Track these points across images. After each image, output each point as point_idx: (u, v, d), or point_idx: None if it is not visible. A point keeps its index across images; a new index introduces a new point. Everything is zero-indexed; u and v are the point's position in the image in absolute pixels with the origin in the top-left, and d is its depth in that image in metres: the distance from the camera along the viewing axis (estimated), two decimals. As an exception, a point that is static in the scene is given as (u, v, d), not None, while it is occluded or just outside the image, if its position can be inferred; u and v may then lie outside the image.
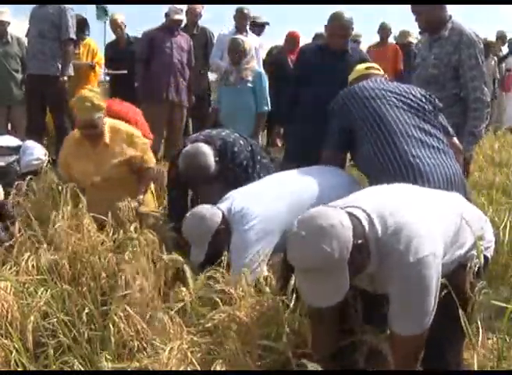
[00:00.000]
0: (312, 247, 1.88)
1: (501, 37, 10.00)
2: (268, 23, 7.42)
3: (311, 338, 2.29)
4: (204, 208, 2.92)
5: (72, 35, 5.85)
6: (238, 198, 2.96)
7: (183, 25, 6.97)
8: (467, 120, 3.56)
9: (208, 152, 3.36)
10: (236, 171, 3.44)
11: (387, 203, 2.08)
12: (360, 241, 1.94)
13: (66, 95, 5.73)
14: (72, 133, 3.85)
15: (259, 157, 3.58)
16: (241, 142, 3.53)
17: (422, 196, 2.24)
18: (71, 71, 6.01)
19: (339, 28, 4.17)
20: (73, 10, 5.94)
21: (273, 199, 2.90)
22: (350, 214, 2.00)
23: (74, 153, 3.74)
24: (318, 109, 3.94)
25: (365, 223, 1.99)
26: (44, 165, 4.30)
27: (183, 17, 6.39)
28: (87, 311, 2.43)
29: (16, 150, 4.17)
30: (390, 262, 1.96)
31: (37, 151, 4.23)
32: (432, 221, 2.06)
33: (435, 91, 3.59)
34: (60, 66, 5.84)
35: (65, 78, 5.87)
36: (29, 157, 4.17)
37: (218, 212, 2.89)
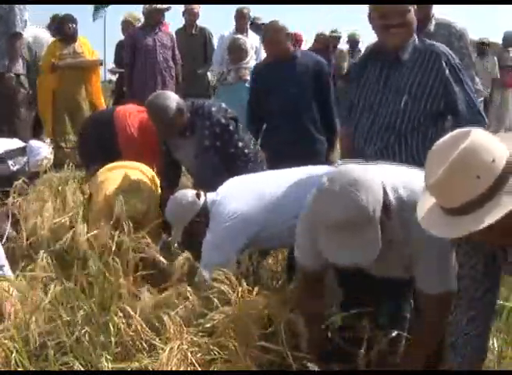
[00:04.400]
0: (347, 198, 1.85)
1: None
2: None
3: (306, 340, 2.29)
4: (185, 196, 2.95)
5: (19, 29, 5.41)
6: (225, 191, 2.96)
7: (181, 25, 7.00)
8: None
9: (171, 97, 3.45)
10: (215, 129, 3.43)
11: (391, 175, 2.09)
12: (387, 201, 1.94)
13: (14, 94, 5.48)
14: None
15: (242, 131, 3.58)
16: (223, 106, 3.55)
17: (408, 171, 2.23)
18: (20, 68, 5.59)
19: (270, 38, 4.23)
20: (26, 8, 5.52)
21: (255, 199, 2.87)
22: None
23: None
24: (283, 119, 4.04)
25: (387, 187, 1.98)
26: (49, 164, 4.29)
27: (161, 15, 6.25)
28: (87, 311, 2.44)
29: (24, 151, 4.18)
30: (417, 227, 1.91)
31: (43, 151, 4.23)
32: None
33: None
34: (7, 63, 5.41)
35: (12, 75, 5.45)
36: (36, 157, 4.16)
37: (199, 203, 2.91)
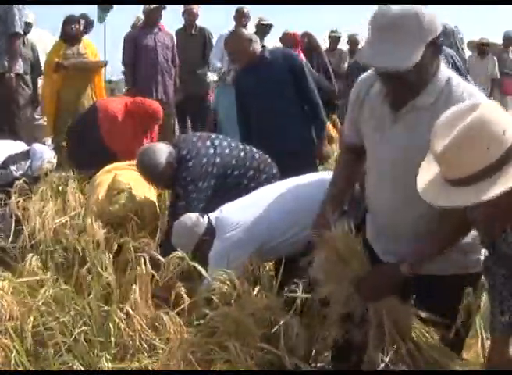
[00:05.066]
0: (407, 4, 1.88)
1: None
2: (272, 25, 7.45)
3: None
4: (189, 219, 2.95)
5: (18, 29, 5.40)
6: (228, 208, 2.99)
7: (181, 25, 7.01)
8: None
9: (161, 150, 3.32)
10: (176, 187, 3.34)
11: None
12: (438, 43, 1.92)
13: (14, 94, 5.50)
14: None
15: (232, 174, 3.41)
16: (204, 160, 3.32)
17: None
18: (20, 68, 5.60)
19: (230, 48, 4.38)
20: (25, 8, 5.57)
21: (257, 210, 2.89)
22: None
23: None
24: (267, 120, 4.09)
25: None
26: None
27: (158, 14, 6.27)
28: (87, 311, 2.44)
29: (27, 155, 4.19)
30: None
31: (46, 155, 4.24)
32: None
33: None
34: (7, 63, 5.41)
35: (12, 75, 5.44)
36: (39, 161, 4.17)
37: (203, 223, 2.92)
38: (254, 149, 3.56)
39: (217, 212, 2.97)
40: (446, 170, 1.58)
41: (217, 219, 2.92)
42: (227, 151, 3.43)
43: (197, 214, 2.97)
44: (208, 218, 2.93)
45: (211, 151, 3.37)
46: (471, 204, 1.54)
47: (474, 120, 1.52)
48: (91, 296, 2.51)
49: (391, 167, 2.06)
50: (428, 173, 1.67)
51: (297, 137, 4.10)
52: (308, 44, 7.34)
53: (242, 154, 3.48)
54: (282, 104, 4.11)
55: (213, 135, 3.58)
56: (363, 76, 2.16)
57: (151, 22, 6.18)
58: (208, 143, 3.40)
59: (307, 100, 4.18)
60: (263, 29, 7.20)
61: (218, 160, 3.36)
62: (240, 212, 2.90)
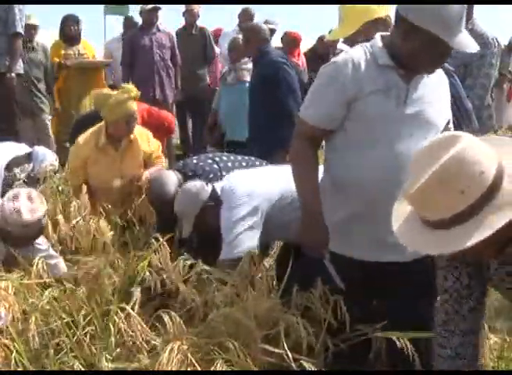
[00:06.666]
0: None
1: None
2: (275, 30, 7.47)
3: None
4: (194, 185, 2.99)
5: (20, 29, 5.36)
6: (234, 177, 3.02)
7: (181, 25, 7.04)
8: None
9: (169, 180, 3.36)
10: None
11: None
12: None
13: (14, 94, 5.47)
14: (89, 138, 3.79)
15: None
16: (211, 176, 3.38)
17: None
18: (20, 68, 5.55)
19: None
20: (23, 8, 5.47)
21: (267, 180, 2.93)
22: None
23: (94, 158, 3.75)
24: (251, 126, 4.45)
25: None
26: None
27: (153, 15, 6.35)
28: (87, 311, 2.44)
29: (30, 157, 4.19)
30: None
31: (48, 157, 4.24)
32: None
33: None
34: (7, 63, 5.37)
35: (13, 75, 5.40)
36: (42, 163, 4.17)
37: (207, 189, 2.95)
38: (252, 157, 3.59)
39: (223, 181, 2.99)
40: (418, 212, 1.49)
41: (223, 189, 2.92)
42: (229, 164, 3.46)
43: (201, 182, 3.00)
44: (213, 186, 2.95)
45: (215, 166, 3.41)
46: (446, 252, 1.53)
47: (450, 160, 1.40)
48: (93, 296, 2.52)
49: (417, 126, 2.21)
50: (403, 207, 1.56)
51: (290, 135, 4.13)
52: (318, 48, 7.36)
53: (244, 163, 3.51)
54: (271, 102, 4.25)
55: (209, 154, 3.67)
56: (341, 58, 2.23)
57: (149, 22, 6.22)
58: (209, 160, 3.45)
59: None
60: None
61: (224, 174, 3.38)
62: (247, 183, 2.90)
